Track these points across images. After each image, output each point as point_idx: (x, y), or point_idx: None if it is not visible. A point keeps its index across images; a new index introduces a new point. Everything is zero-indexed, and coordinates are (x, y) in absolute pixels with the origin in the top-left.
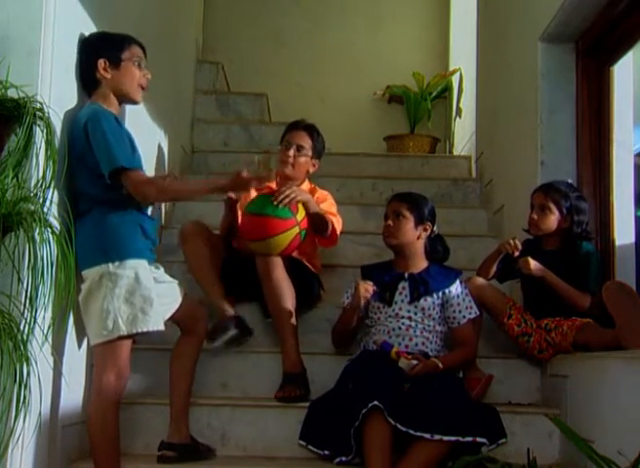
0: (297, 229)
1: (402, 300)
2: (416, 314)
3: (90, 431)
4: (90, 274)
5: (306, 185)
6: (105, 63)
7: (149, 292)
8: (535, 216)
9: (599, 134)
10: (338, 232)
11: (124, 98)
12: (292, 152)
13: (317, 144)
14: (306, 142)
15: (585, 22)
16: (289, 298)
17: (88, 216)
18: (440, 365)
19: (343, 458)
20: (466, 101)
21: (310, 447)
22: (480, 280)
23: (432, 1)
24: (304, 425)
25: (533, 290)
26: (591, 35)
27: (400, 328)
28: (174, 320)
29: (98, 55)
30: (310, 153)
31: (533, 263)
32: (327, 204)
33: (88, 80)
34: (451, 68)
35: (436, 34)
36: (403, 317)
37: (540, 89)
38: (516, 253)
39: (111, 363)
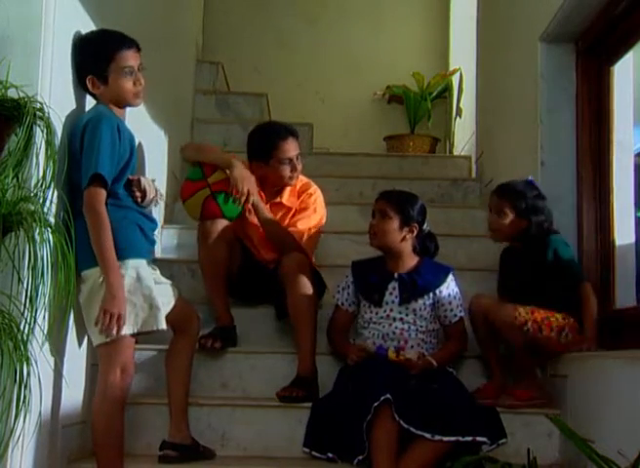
0: (207, 191)
1: (392, 301)
2: (407, 315)
3: (94, 430)
4: (91, 274)
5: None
6: (93, 80)
7: (150, 292)
8: (490, 220)
9: (599, 134)
10: (306, 249)
11: (123, 105)
12: (299, 166)
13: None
14: (298, 148)
15: (585, 22)
16: (313, 303)
17: None
18: (434, 362)
19: (360, 457)
20: (466, 101)
21: (314, 453)
22: (486, 299)
23: (432, 1)
24: (307, 432)
25: (511, 281)
26: (591, 35)
27: (394, 332)
28: (167, 321)
29: (84, 72)
30: None
31: None
32: (305, 217)
33: (86, 90)
34: (451, 68)
35: (436, 34)
36: (395, 319)
37: (540, 89)
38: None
39: (116, 361)
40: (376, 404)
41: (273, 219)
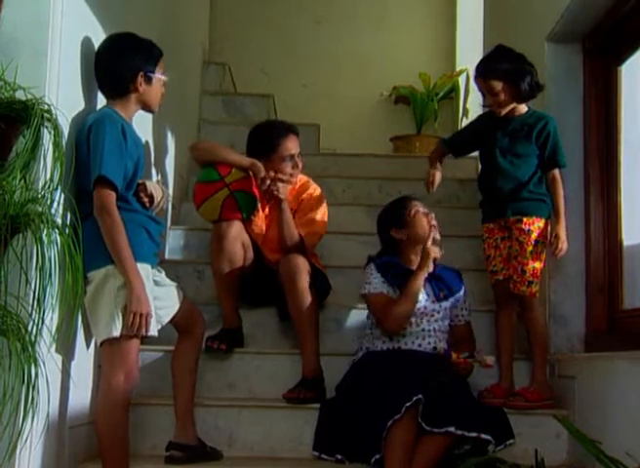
0: (226, 191)
1: (425, 299)
2: (438, 313)
3: (98, 432)
4: (95, 276)
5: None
6: (142, 78)
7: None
8: (490, 102)
9: (607, 133)
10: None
11: (145, 109)
12: (300, 163)
13: None
14: (299, 146)
15: (593, 22)
16: (312, 304)
17: (92, 219)
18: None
19: (377, 456)
20: (473, 102)
21: (323, 455)
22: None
23: (439, 1)
24: (316, 435)
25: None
26: (599, 35)
27: (424, 329)
28: (172, 322)
29: (139, 68)
30: None
31: None
32: (309, 219)
33: (117, 87)
34: (457, 69)
35: (443, 35)
36: (427, 315)
37: (548, 89)
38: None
39: (120, 363)
40: (408, 404)
41: (292, 223)
